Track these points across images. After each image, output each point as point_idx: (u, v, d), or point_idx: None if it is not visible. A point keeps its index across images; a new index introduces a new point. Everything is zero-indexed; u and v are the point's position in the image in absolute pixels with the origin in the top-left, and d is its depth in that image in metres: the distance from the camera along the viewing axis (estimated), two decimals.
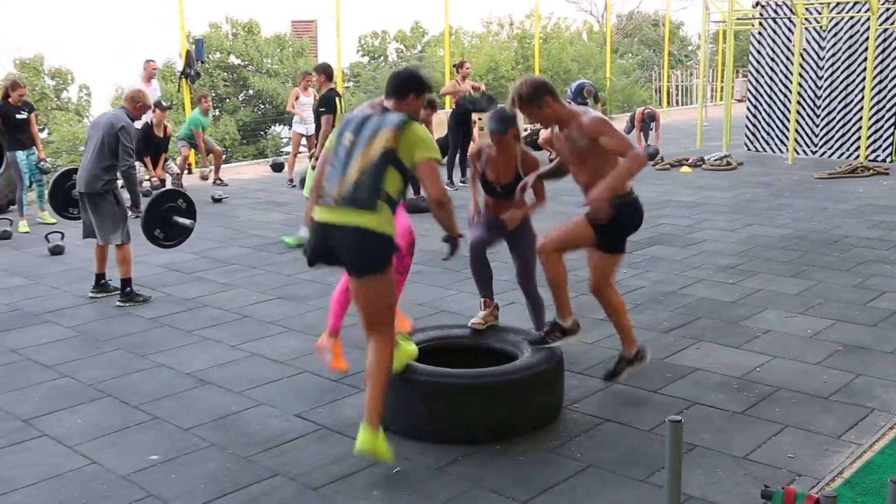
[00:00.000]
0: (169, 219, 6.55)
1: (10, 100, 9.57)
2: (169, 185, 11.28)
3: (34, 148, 9.80)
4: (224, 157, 13.55)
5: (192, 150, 12.89)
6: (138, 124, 10.35)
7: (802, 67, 14.43)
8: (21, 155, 9.61)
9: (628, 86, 24.91)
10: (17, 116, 9.61)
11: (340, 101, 9.19)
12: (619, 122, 18.27)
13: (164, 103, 11.72)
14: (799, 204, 10.48)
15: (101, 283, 7.02)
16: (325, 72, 9.24)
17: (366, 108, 3.98)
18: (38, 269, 8.03)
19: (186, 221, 6.64)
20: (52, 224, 9.57)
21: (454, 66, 14.10)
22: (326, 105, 8.95)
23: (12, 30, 32.35)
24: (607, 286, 4.76)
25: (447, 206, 3.86)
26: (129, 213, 6.80)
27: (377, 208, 3.75)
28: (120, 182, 6.75)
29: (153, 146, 11.37)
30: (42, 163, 9.90)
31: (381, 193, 3.75)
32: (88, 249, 7.35)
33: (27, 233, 9.57)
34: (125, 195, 6.83)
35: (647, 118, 15.06)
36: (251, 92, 26.82)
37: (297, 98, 12.72)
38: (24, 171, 9.70)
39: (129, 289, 6.74)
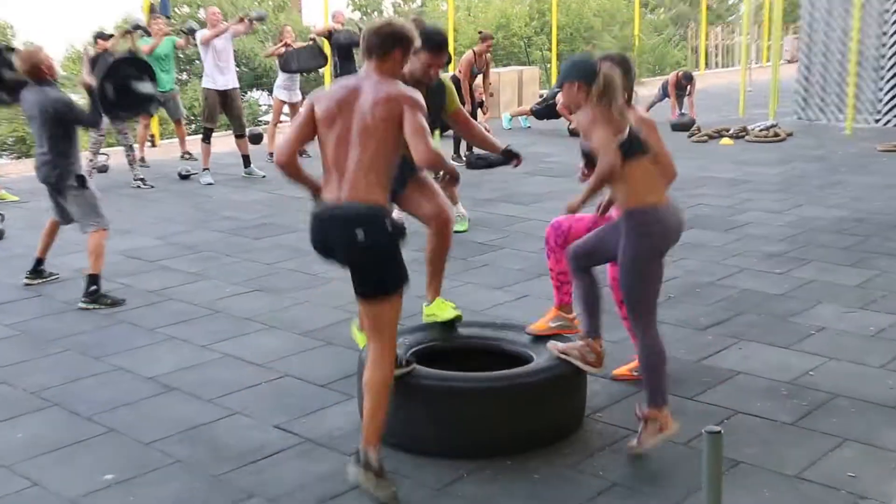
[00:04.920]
0: (127, 86, 6.35)
1: None
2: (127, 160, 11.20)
3: None
4: (190, 126, 13.45)
5: (155, 117, 12.84)
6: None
7: (864, 21, 14.32)
8: None
9: (660, 45, 24.93)
10: None
11: None
12: (650, 87, 18.20)
13: (105, 33, 11.64)
14: (858, 181, 10.44)
15: (38, 269, 7.06)
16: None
17: None
18: None
19: (148, 86, 6.45)
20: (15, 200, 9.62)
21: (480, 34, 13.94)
22: None
23: None
24: None
25: None
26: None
27: None
28: (80, 163, 6.73)
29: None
30: None
31: None
32: (33, 233, 7.31)
33: None
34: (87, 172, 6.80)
35: (684, 79, 15.04)
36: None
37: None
38: None
39: (94, 287, 6.56)
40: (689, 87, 15.04)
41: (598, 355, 4.38)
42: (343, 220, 3.77)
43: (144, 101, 6.45)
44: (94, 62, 10.90)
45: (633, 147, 4.10)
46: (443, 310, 4.86)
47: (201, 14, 26.10)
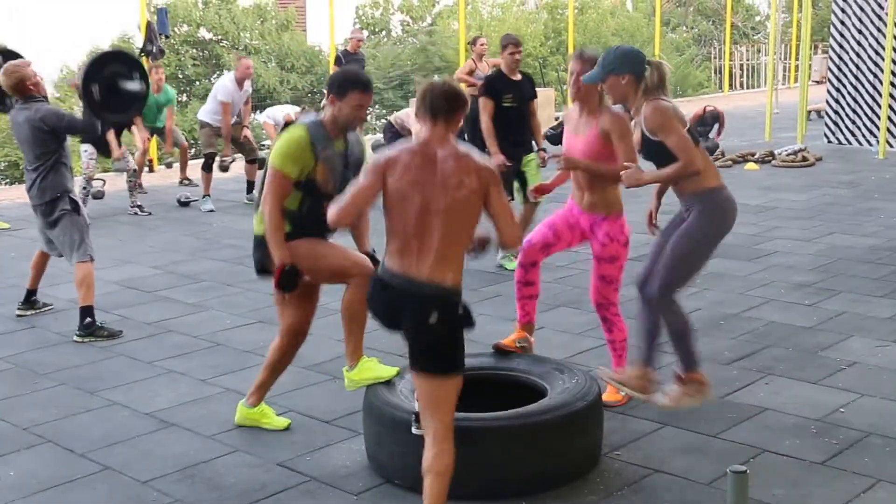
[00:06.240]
0: (115, 85, 6.27)
1: None
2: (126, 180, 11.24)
3: None
4: (192, 150, 13.50)
5: (154, 139, 12.92)
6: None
7: None
8: None
9: (682, 65, 24.98)
10: None
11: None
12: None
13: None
14: (892, 208, 10.42)
15: (30, 300, 7.13)
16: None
17: None
18: None
19: (137, 85, 6.37)
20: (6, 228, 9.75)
21: (468, 43, 14.06)
22: None
23: None
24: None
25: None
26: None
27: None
28: (76, 188, 6.81)
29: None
30: None
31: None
32: (25, 262, 7.36)
33: None
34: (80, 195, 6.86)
35: (710, 118, 14.80)
36: (226, 72, 26.95)
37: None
38: None
39: (89, 319, 6.59)
40: (716, 126, 14.69)
41: (652, 383, 4.93)
42: (419, 299, 3.76)
43: (134, 101, 6.35)
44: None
45: (693, 136, 4.72)
46: (376, 368, 4.75)
47: (201, 33, 26.34)
